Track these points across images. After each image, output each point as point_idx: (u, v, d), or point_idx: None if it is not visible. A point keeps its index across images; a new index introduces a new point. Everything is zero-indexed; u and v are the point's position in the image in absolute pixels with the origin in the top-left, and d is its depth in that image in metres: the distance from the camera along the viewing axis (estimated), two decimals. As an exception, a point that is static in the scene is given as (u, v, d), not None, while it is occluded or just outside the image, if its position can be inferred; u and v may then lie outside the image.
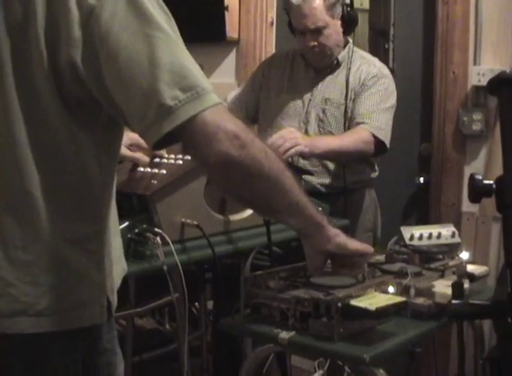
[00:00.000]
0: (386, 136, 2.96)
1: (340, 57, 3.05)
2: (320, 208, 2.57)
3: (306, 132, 3.00)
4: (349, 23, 2.99)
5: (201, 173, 2.19)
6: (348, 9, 2.96)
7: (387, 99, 3.02)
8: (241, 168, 1.35)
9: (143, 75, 1.24)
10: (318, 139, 2.88)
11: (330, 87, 3.06)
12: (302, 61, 3.12)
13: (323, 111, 3.01)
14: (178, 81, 1.25)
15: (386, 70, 3.10)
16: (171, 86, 1.25)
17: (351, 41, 3.08)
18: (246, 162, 1.34)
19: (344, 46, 3.07)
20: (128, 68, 1.24)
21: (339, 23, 2.96)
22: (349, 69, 3.00)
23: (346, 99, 2.99)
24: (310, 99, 3.05)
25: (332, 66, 3.06)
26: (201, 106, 1.27)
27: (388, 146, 2.97)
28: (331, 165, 3.01)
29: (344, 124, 2.98)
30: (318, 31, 2.92)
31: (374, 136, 2.91)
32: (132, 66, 1.24)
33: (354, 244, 1.71)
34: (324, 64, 3.05)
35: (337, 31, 2.97)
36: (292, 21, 3.01)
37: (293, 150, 2.69)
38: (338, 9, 2.93)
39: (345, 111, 2.98)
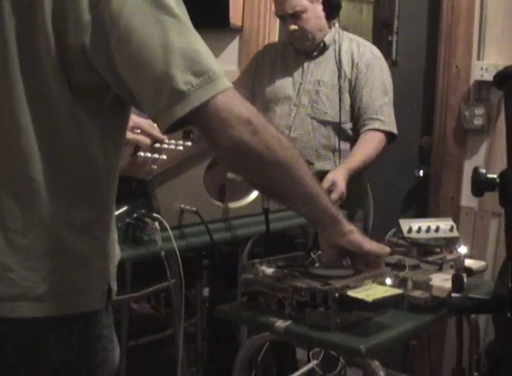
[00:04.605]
0: (395, 127, 3.06)
1: (326, 40, 3.11)
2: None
3: (297, 114, 3.06)
4: (330, 8, 3.06)
5: (201, 159, 2.19)
6: None
7: (389, 85, 3.11)
8: (253, 154, 1.34)
9: (156, 60, 1.23)
10: (352, 166, 2.89)
11: (321, 69, 3.11)
12: (292, 47, 3.19)
13: (317, 92, 3.07)
14: (190, 65, 1.24)
15: (377, 50, 3.16)
16: (184, 71, 1.24)
17: (337, 24, 3.15)
18: (258, 147, 1.33)
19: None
20: (140, 53, 1.23)
21: (320, 7, 3.04)
22: (339, 50, 3.06)
23: (339, 80, 3.04)
24: (301, 83, 3.11)
25: (319, 48, 3.12)
26: (214, 91, 1.26)
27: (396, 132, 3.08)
28: (323, 151, 3.05)
29: (339, 104, 3.03)
30: (297, 16, 3.00)
31: (385, 131, 3.02)
32: (145, 51, 1.23)
33: (368, 245, 1.67)
34: (309, 48, 3.11)
35: (318, 15, 3.04)
36: (275, 8, 3.13)
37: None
38: None
39: (339, 92, 3.03)
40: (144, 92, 1.26)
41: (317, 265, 1.88)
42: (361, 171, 2.95)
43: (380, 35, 3.80)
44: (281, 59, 3.21)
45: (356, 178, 3.07)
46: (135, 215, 2.07)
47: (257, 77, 3.24)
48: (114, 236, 1.46)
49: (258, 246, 2.52)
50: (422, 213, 3.55)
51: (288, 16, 3.03)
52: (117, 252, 1.49)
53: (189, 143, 2.22)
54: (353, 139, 3.06)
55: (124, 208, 2.05)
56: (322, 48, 3.12)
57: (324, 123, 3.04)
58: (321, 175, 2.94)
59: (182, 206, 2.15)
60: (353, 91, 3.05)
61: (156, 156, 2.20)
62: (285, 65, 3.19)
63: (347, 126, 3.06)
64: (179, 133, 2.25)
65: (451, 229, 2.28)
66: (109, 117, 1.35)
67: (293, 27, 3.02)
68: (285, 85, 3.13)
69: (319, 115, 3.04)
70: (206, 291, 3.06)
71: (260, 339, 2.01)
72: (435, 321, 1.88)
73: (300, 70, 3.13)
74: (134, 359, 3.03)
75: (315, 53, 3.13)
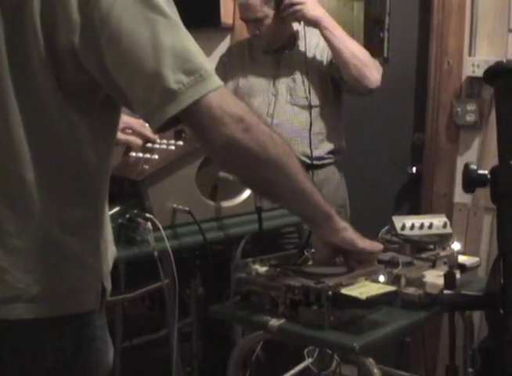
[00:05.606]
0: None
1: (292, 35, 3.14)
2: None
3: (277, 103, 3.08)
4: None
5: (193, 159, 2.19)
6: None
7: None
8: (245, 152, 1.34)
9: (147, 59, 1.23)
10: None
11: (294, 59, 3.12)
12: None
13: (293, 80, 3.08)
14: (181, 64, 1.24)
15: None
16: (175, 70, 1.24)
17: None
18: (250, 145, 1.33)
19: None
20: (130, 52, 1.23)
21: None
22: (307, 43, 3.08)
23: (315, 67, 3.05)
24: (275, 75, 3.12)
25: (290, 42, 3.14)
26: (206, 89, 1.26)
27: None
28: (307, 135, 3.04)
29: (307, 90, 3.04)
30: (259, 21, 3.05)
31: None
32: (135, 51, 1.23)
33: (361, 242, 1.66)
34: (272, 47, 3.14)
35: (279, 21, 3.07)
36: (239, 12, 3.18)
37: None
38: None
39: (314, 79, 3.06)
40: (135, 91, 1.26)
41: (310, 263, 1.88)
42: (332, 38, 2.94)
43: (372, 32, 3.80)
44: (249, 55, 3.24)
45: (337, 170, 3.08)
46: (127, 216, 2.07)
47: (227, 78, 3.23)
48: (108, 235, 1.46)
49: (251, 245, 2.52)
50: (415, 210, 3.55)
51: (250, 21, 3.09)
52: (111, 252, 1.49)
53: (181, 143, 2.22)
54: (335, 120, 3.10)
55: (117, 209, 2.05)
56: (293, 41, 3.14)
57: (305, 108, 3.05)
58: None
59: (175, 206, 2.15)
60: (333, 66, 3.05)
61: (148, 156, 2.19)
62: (254, 59, 3.21)
63: (328, 110, 3.08)
64: (171, 133, 2.25)
65: (444, 226, 2.28)
66: (99, 117, 1.34)
67: (256, 31, 3.07)
68: (259, 78, 3.15)
69: (299, 101, 3.06)
70: (200, 291, 3.06)
71: (254, 338, 2.01)
72: (429, 318, 1.88)
73: (271, 63, 3.15)
74: (128, 359, 3.03)
75: (286, 46, 3.14)
